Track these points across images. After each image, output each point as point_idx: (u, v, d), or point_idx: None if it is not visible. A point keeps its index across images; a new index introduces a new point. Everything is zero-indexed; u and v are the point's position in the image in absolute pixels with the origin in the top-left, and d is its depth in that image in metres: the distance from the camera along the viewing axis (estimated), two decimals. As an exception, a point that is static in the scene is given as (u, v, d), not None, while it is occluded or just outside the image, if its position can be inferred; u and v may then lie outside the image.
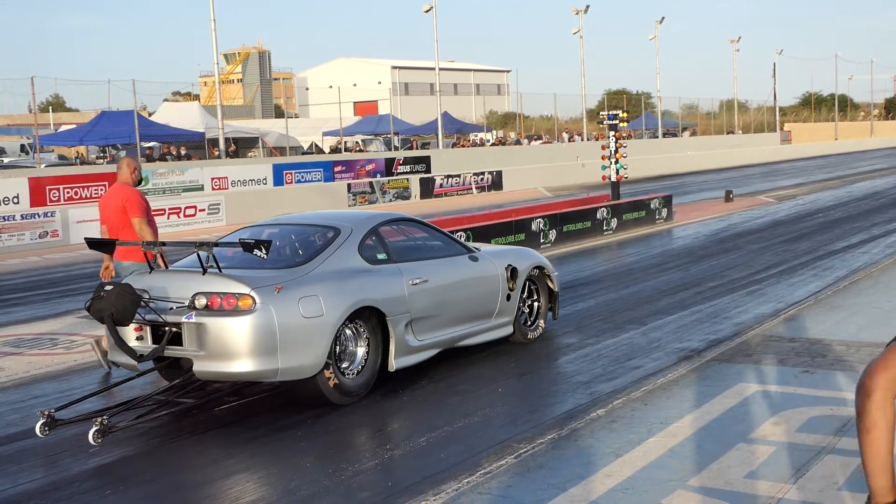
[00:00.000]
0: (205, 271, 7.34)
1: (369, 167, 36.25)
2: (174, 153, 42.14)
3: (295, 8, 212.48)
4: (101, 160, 42.74)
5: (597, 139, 44.93)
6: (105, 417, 6.71)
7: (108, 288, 7.37)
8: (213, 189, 29.27)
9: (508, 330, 9.71)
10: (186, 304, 7.25)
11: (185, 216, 25.63)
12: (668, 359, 9.22)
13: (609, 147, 22.65)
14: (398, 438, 7.30)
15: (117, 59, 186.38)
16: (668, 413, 7.30)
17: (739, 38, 73.30)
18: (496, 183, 37.22)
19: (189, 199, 27.12)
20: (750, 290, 13.03)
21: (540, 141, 60.62)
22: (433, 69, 46.71)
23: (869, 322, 10.63)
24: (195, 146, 43.14)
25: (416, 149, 49.61)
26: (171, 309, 7.31)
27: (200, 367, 7.22)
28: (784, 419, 6.99)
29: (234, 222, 26.24)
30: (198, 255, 7.39)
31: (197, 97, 74.41)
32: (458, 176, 35.82)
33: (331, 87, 55.95)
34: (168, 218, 25.10)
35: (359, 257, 8.13)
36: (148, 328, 7.44)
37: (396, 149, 49.98)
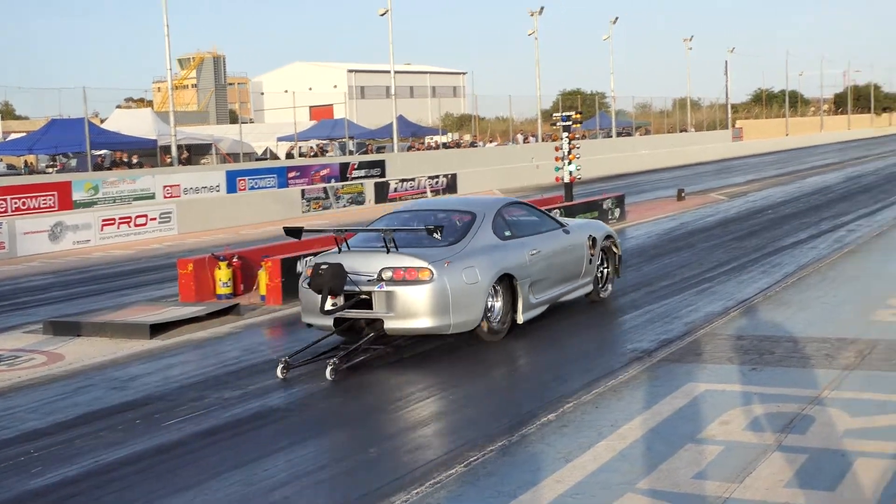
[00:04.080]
0: (388, 250, 9.42)
1: (324, 172, 36.05)
2: (126, 161, 41.61)
3: (250, 12, 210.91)
4: (51, 169, 42.09)
5: (552, 140, 45.07)
6: (335, 360, 8.95)
7: (325, 267, 9.30)
8: (165, 197, 28.92)
9: (589, 288, 12.04)
10: (375, 276, 9.32)
11: (135, 225, 25.32)
12: (619, 360, 9.24)
13: (562, 148, 22.74)
14: (345, 450, 7.23)
15: (70, 65, 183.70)
16: (618, 415, 7.30)
17: (692, 36, 73.96)
18: (451, 185, 37.22)
19: (140, 207, 26.77)
20: (701, 288, 13.12)
21: (495, 143, 60.73)
22: (389, 72, 46.61)
23: (816, 317, 10.76)
24: (147, 153, 42.56)
25: (372, 153, 49.45)
26: (366, 281, 9.37)
27: (391, 325, 9.37)
28: (732, 418, 7.03)
29: (186, 231, 26.02)
30: (383, 238, 9.49)
31: (150, 103, 73.65)
32: (413, 179, 35.77)
33: (286, 91, 55.50)
34: (118, 228, 24.81)
35: (493, 235, 10.32)
36: (341, 297, 9.41)
37: (352, 153, 49.79)
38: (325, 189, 32.40)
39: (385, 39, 43.02)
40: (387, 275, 9.32)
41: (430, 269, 9.27)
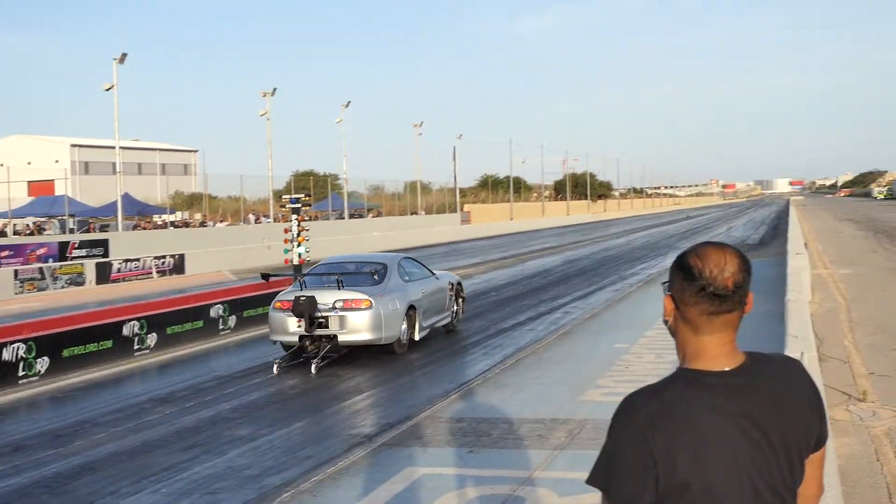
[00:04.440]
0: (340, 287, 13.79)
1: (40, 251, 34.11)
2: None
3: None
4: None
5: (284, 221, 45.04)
6: (318, 360, 13.24)
7: (303, 299, 13.33)
8: None
9: (449, 319, 16.79)
10: (330, 305, 13.47)
11: None
12: (340, 446, 9.22)
13: (292, 230, 22.71)
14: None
15: None
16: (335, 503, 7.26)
17: (422, 122, 76.66)
18: (178, 266, 36.18)
19: None
20: (424, 371, 13.40)
21: (226, 222, 59.85)
22: (115, 148, 45.03)
23: (531, 398, 11.20)
24: None
25: (94, 231, 47.37)
26: (323, 309, 13.50)
27: (343, 339, 13.60)
28: (446, 502, 7.14)
29: None
30: (337, 280, 13.95)
31: None
32: (138, 260, 34.48)
33: (1, 165, 52.37)
34: None
35: (399, 279, 14.87)
36: (304, 319, 13.38)
37: (72, 231, 47.47)
38: (41, 269, 30.58)
39: (112, 114, 41.65)
40: (339, 304, 13.58)
41: (370, 300, 13.67)
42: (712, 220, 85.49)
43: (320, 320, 13.52)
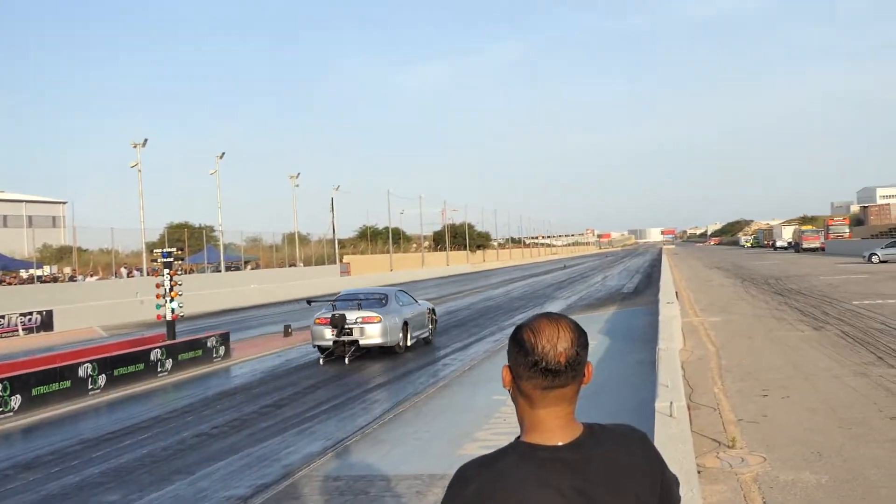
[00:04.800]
0: (359, 307, 20.73)
1: None
2: None
3: None
4: None
5: (158, 274, 44.04)
6: (349, 355, 20.30)
7: (338, 315, 20.28)
8: None
9: (427, 333, 23.56)
10: (353, 320, 20.25)
11: None
12: (213, 510, 8.97)
13: (164, 285, 22.21)
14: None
15: None
16: (207, 572, 7.05)
17: (299, 174, 76.32)
18: (46, 323, 34.99)
19: None
20: (301, 428, 13.19)
21: (96, 276, 58.16)
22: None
23: (409, 454, 11.15)
24: None
25: (-45, 287, 45.40)
26: (342, 317, 20.34)
27: (363, 342, 20.31)
28: (322, 566, 7.02)
29: None
30: (369, 296, 22.00)
31: None
32: (2, 317, 33.19)
33: None
34: None
35: (396, 304, 21.62)
36: (334, 327, 20.18)
37: (-70, 288, 45.42)
38: None
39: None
40: (359, 319, 20.45)
41: (380, 317, 20.55)
42: (589, 269, 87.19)
43: (347, 330, 20.52)
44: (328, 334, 20.53)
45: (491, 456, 2.17)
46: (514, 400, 2.24)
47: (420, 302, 24.07)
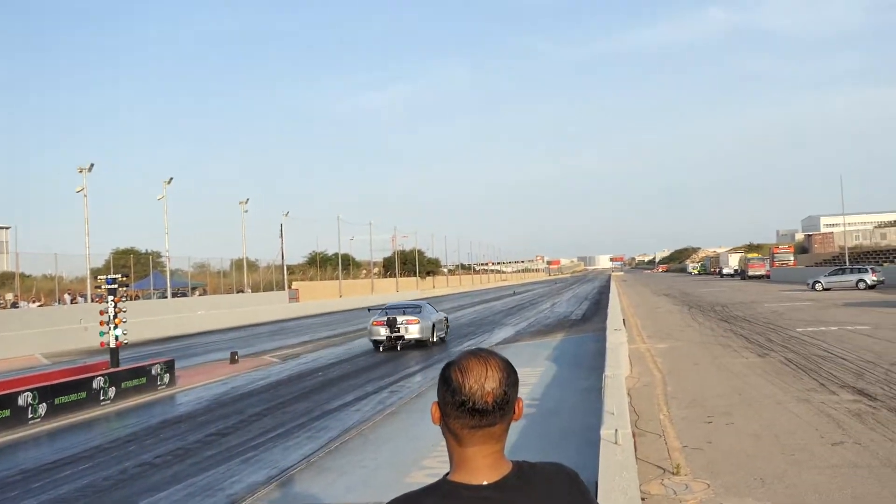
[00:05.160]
0: (404, 313, 30.73)
1: None
2: None
3: None
4: None
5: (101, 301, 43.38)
6: (398, 345, 30.34)
7: (391, 318, 30.11)
8: None
9: (444, 333, 33.26)
10: (400, 321, 29.98)
11: None
12: (154, 541, 8.83)
13: (108, 312, 21.91)
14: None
15: None
16: None
17: (248, 199, 75.77)
18: (-14, 351, 34.26)
19: None
20: (246, 457, 13.05)
21: (38, 303, 57.20)
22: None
23: (355, 482, 11.07)
24: None
25: None
26: (395, 319, 30.23)
27: (407, 337, 29.95)
28: None
29: None
30: (409, 306, 31.99)
31: None
32: (-59, 344, 32.50)
33: None
34: None
35: (427, 312, 31.41)
36: (388, 327, 29.84)
37: None
38: None
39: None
40: (404, 321, 29.81)
41: (418, 320, 30.03)
42: (538, 295, 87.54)
43: (397, 328, 29.81)
44: (383, 332, 30.02)
45: (415, 494, 2.15)
46: (444, 436, 2.23)
47: (439, 312, 33.90)
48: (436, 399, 2.22)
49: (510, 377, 2.17)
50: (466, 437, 2.15)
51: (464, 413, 2.12)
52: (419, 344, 30.58)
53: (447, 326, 33.99)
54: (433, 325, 31.13)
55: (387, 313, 30.56)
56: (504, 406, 2.14)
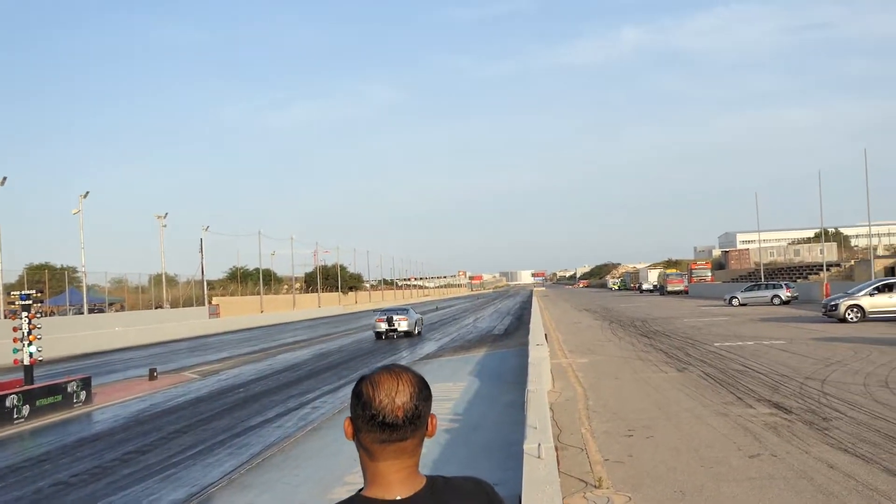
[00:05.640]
0: (397, 313, 45.97)
1: None
2: None
3: None
4: None
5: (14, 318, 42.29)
6: (393, 335, 45.01)
7: (389, 316, 45.25)
8: None
9: (419, 329, 47.52)
10: (395, 317, 44.98)
11: None
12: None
13: (22, 328, 21.37)
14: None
15: None
16: None
17: (166, 214, 74.71)
18: None
19: None
20: (165, 474, 12.83)
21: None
22: None
23: (277, 499, 10.96)
24: None
25: None
26: (392, 317, 45.28)
27: (399, 329, 44.43)
28: None
29: None
30: (399, 309, 47.70)
31: None
32: None
33: None
34: None
35: (413, 312, 47.61)
36: (387, 322, 44.48)
37: None
38: None
39: None
40: (397, 318, 44.43)
41: (407, 318, 44.67)
42: (461, 310, 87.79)
43: (393, 324, 43.72)
44: (384, 326, 44.26)
45: None
46: (357, 451, 2.23)
47: (417, 314, 48.70)
48: (350, 415, 2.22)
49: (422, 392, 2.18)
50: (378, 452, 2.14)
51: (375, 427, 2.12)
52: (407, 335, 44.59)
53: (422, 324, 49.40)
54: (416, 322, 46.33)
55: (385, 314, 45.91)
56: (415, 421, 2.14)
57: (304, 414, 18.85)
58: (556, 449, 10.53)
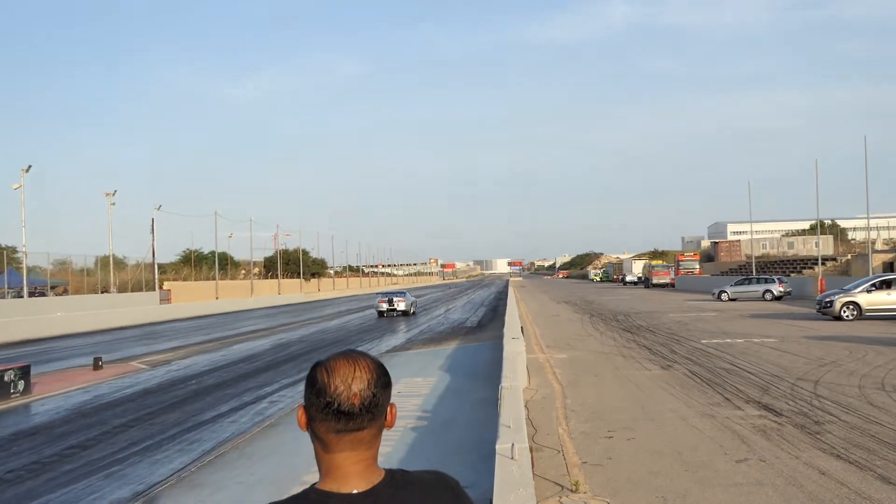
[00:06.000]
0: (397, 295, 59.57)
1: None
2: None
3: None
4: None
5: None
6: (393, 314, 58.04)
7: (390, 297, 58.62)
8: None
9: (414, 310, 60.86)
10: (395, 298, 58.65)
11: None
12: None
13: (-45, 310, 21.22)
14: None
15: None
16: None
17: (115, 191, 74.15)
18: None
19: None
20: (109, 471, 12.78)
21: None
22: None
23: (231, 499, 10.94)
24: None
25: None
26: (392, 299, 58.85)
27: (398, 308, 57.57)
28: None
29: None
30: (397, 293, 60.78)
31: None
32: None
33: None
34: None
35: (409, 295, 61.58)
36: (388, 303, 57.90)
37: None
38: None
39: None
40: (397, 299, 57.72)
41: (405, 299, 58.00)
42: (431, 300, 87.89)
43: (393, 304, 56.68)
44: (384, 306, 56.10)
45: (282, 503, 2.15)
46: (312, 442, 2.22)
47: (412, 296, 61.22)
48: (303, 403, 2.21)
49: (380, 379, 2.17)
50: (333, 442, 2.14)
51: (329, 416, 2.11)
52: (404, 314, 57.16)
53: (416, 305, 61.76)
54: (411, 303, 58.91)
55: (387, 296, 58.36)
56: (373, 409, 2.14)
57: (260, 409, 18.81)
58: (531, 450, 10.57)
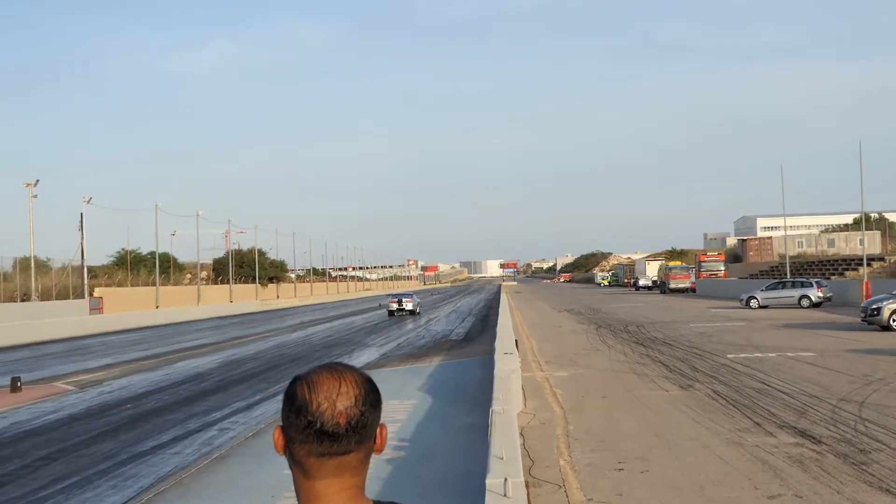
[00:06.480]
0: (405, 296, 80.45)
1: None
2: None
3: None
4: None
5: None
6: (402, 313, 75.82)
7: (399, 298, 78.08)
8: None
9: (419, 310, 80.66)
10: (405, 299, 77.82)
11: None
12: None
13: None
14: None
15: None
16: None
17: (38, 181, 73.81)
18: None
19: None
20: (31, 512, 12.72)
21: None
22: None
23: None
24: None
25: None
26: (402, 300, 78.70)
27: (407, 308, 76.62)
28: None
29: None
30: (405, 294, 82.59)
31: None
32: None
33: None
34: None
35: (415, 296, 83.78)
36: (398, 304, 76.98)
37: None
38: None
39: None
40: (405, 300, 77.35)
41: (412, 300, 78.06)
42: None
43: (402, 304, 75.43)
44: (394, 306, 74.59)
45: None
46: (290, 469, 2.20)
47: (419, 298, 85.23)
48: (280, 423, 2.19)
49: (369, 395, 2.16)
50: (315, 469, 2.13)
51: (311, 437, 2.11)
52: (412, 313, 73.56)
53: (421, 306, 79.91)
54: (417, 304, 76.10)
55: (396, 297, 75.63)
56: (360, 430, 2.13)
57: (208, 437, 18.78)
58: (528, 485, 10.56)
